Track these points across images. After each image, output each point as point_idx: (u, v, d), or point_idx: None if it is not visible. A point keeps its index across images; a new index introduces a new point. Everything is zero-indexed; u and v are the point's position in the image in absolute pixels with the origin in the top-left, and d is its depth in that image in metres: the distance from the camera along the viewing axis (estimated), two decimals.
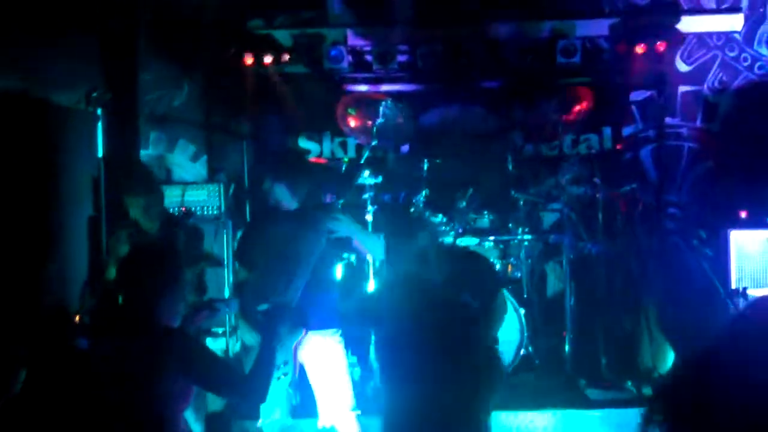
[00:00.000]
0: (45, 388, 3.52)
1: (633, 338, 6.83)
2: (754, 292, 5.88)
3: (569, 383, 6.60)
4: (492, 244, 7.18)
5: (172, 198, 6.43)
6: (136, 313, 3.31)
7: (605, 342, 6.89)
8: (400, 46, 7.80)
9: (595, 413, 5.91)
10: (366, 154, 6.85)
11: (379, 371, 2.36)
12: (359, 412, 5.01)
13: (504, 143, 7.82)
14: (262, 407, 4.87)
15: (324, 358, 5.05)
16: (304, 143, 8.34)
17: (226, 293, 6.43)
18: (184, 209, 6.07)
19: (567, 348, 6.72)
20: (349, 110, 7.53)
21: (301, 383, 5.28)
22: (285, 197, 5.10)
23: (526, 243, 7.13)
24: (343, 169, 7.12)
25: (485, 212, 7.13)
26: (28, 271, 5.64)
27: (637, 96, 8.25)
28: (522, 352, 6.60)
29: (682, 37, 7.43)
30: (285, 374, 4.67)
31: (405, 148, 8.19)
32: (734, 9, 7.99)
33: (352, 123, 7.87)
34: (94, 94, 5.46)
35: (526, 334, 6.59)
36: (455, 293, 3.15)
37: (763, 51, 8.08)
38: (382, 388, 2.77)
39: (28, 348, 3.74)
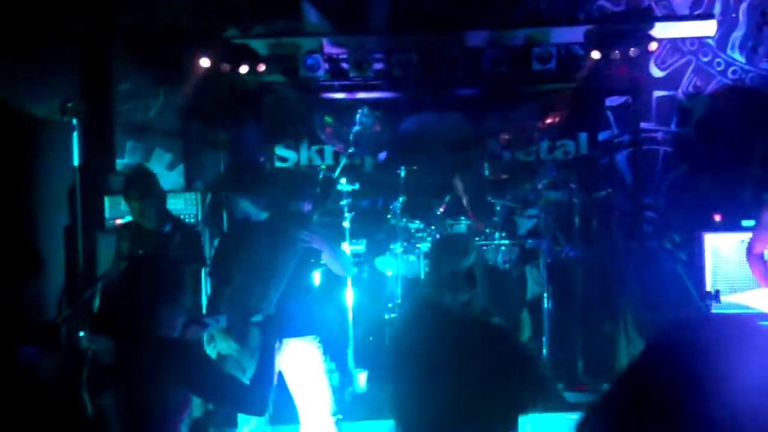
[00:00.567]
0: None
1: (610, 341, 6.88)
2: (728, 298, 5.93)
3: (547, 387, 6.62)
4: None
5: None
6: (137, 323, 3.30)
7: (583, 345, 6.92)
8: (376, 54, 7.82)
9: (574, 416, 5.91)
10: (343, 161, 6.86)
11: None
12: (341, 416, 5.01)
13: (481, 150, 7.87)
14: (240, 414, 4.86)
15: (303, 364, 5.04)
16: (281, 151, 8.36)
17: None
18: None
19: (545, 351, 6.75)
20: (326, 118, 7.54)
21: (280, 390, 5.27)
22: (250, 209, 5.13)
23: (503, 248, 7.16)
24: (321, 176, 7.12)
25: (462, 218, 7.16)
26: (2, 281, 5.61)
27: (612, 101, 8.33)
28: None
29: (656, 43, 7.49)
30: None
31: (382, 155, 8.22)
32: (707, 15, 8.06)
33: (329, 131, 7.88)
34: (70, 104, 5.46)
35: None
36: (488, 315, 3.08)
37: (737, 56, 8.16)
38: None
39: None
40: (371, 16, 7.87)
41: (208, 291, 5.64)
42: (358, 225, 7.14)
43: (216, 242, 6.21)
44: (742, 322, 1.87)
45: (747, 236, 5.26)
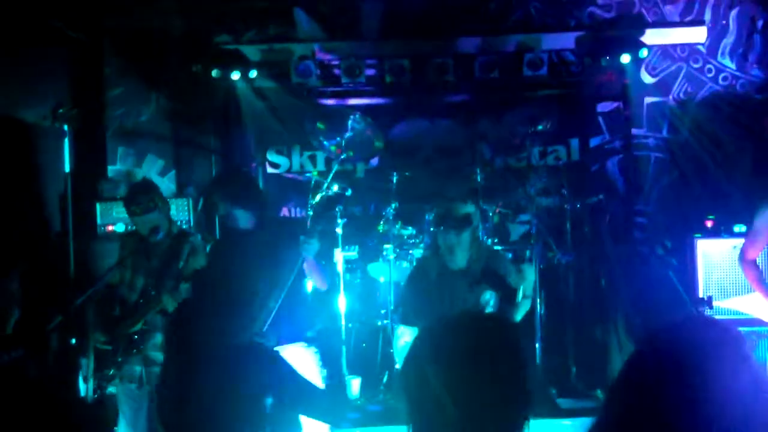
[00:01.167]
0: None
1: (603, 347, 6.88)
2: (721, 304, 5.94)
3: (540, 392, 6.61)
4: None
5: None
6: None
7: (575, 351, 6.93)
8: (368, 60, 7.82)
9: (566, 422, 5.94)
10: (335, 167, 6.85)
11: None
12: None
13: (472, 156, 7.87)
14: None
15: (299, 370, 5.02)
16: (273, 157, 8.35)
17: None
18: None
19: (537, 357, 6.75)
20: (318, 124, 7.53)
21: None
22: (244, 219, 5.09)
23: None
24: (312, 182, 7.11)
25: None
26: None
27: (603, 107, 8.35)
28: None
29: (647, 49, 7.51)
30: None
31: (374, 161, 8.22)
32: (698, 22, 8.10)
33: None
34: (61, 110, 5.44)
35: None
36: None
37: (727, 62, 8.19)
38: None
39: None
40: (363, 22, 7.88)
41: None
42: (351, 231, 7.13)
43: (207, 247, 6.16)
44: (724, 327, 1.90)
45: (739, 242, 5.27)
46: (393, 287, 6.82)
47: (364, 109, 7.56)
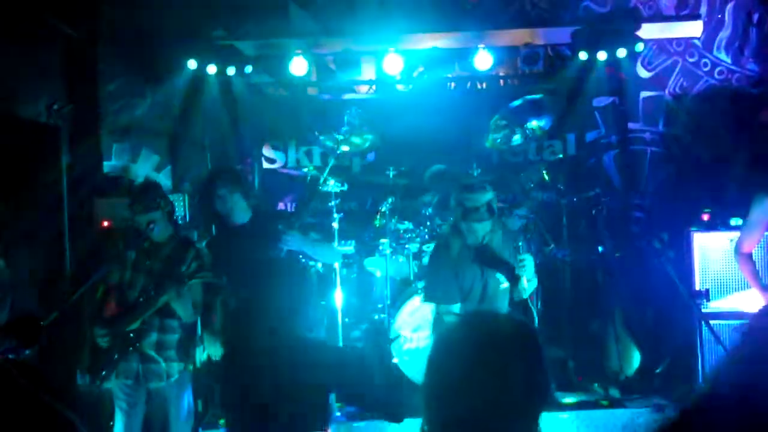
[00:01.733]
0: None
1: (600, 341, 6.88)
2: (718, 303, 5.95)
3: None
4: None
5: None
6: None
7: (573, 345, 6.92)
8: (363, 54, 7.82)
9: (565, 415, 5.95)
10: (331, 162, 6.83)
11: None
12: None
13: (469, 150, 7.85)
14: None
15: None
16: (268, 152, 8.33)
17: None
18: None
19: None
20: (314, 120, 7.53)
21: None
22: (241, 205, 5.14)
23: None
24: (308, 178, 7.10)
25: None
26: None
27: (599, 102, 8.36)
28: None
29: (643, 43, 7.51)
30: None
31: (371, 156, 8.20)
32: (693, 16, 8.10)
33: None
34: (56, 107, 5.43)
35: None
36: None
37: (723, 57, 8.20)
38: None
39: None
40: (359, 17, 7.86)
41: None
42: (347, 226, 7.12)
43: (203, 243, 6.15)
44: None
45: (736, 235, 5.28)
46: (389, 282, 6.81)
47: (360, 104, 7.55)
